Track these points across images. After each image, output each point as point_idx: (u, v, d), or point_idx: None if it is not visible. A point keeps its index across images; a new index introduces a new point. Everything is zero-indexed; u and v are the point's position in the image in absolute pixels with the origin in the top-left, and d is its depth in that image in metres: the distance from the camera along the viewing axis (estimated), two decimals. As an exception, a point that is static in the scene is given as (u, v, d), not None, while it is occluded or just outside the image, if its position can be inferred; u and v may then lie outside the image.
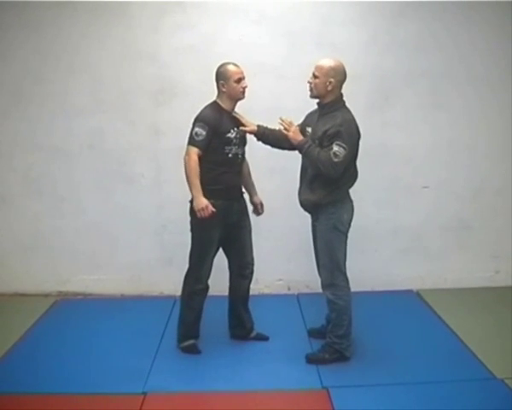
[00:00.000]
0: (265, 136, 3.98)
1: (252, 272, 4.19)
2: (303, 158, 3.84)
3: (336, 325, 3.85)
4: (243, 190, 4.14)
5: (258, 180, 4.94)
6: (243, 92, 3.88)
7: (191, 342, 4.06)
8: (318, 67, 3.70)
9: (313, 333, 4.23)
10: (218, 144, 3.82)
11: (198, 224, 3.87)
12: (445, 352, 4.02)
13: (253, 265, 4.18)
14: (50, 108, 4.91)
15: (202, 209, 3.75)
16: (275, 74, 4.87)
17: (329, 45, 4.74)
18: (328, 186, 3.69)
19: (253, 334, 4.25)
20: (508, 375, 3.63)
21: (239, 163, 3.98)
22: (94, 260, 5.10)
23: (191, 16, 4.81)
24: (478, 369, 3.76)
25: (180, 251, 4.63)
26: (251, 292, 4.94)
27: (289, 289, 5.18)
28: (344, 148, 3.57)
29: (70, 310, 4.82)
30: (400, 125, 5.03)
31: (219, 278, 4.94)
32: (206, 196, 3.77)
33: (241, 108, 4.85)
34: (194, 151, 3.77)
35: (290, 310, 4.77)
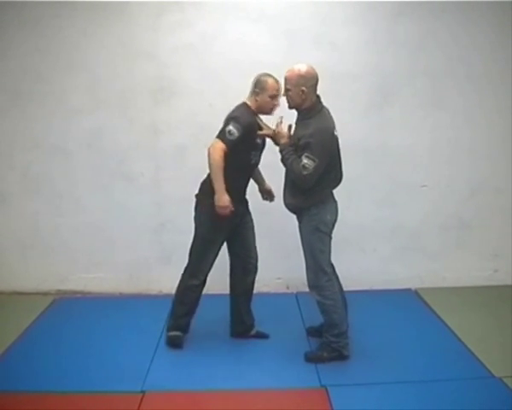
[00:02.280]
0: None
1: (255, 268, 4.19)
2: None
3: (330, 325, 3.85)
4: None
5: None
6: (272, 110, 3.84)
7: (177, 333, 4.07)
8: (287, 79, 3.67)
9: (312, 332, 4.24)
10: (246, 149, 3.80)
11: (205, 222, 3.88)
12: (443, 351, 4.03)
13: (256, 260, 4.18)
14: (49, 107, 4.91)
15: (224, 207, 3.71)
16: (274, 73, 4.83)
17: (329, 44, 4.75)
18: (307, 190, 3.68)
19: (253, 332, 4.26)
20: (506, 374, 3.64)
21: (255, 169, 4.03)
22: (92, 259, 5.10)
23: (190, 15, 4.81)
24: (476, 368, 3.77)
25: (179, 250, 4.63)
26: (250, 290, 4.94)
27: (288, 287, 5.18)
28: (313, 160, 3.53)
29: (69, 308, 4.82)
30: (400, 124, 5.02)
31: (220, 277, 4.95)
32: (213, 194, 3.74)
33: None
34: (222, 147, 3.67)
35: (289, 309, 4.77)
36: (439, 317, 4.56)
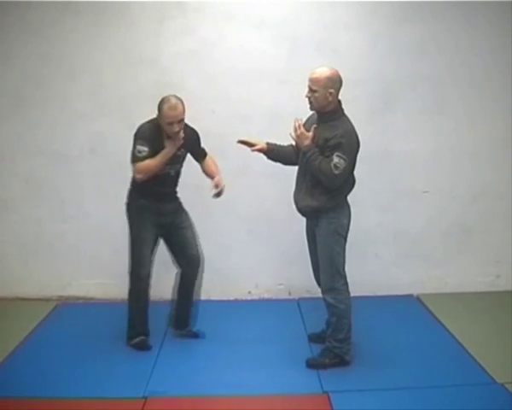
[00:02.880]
0: (275, 152, 3.99)
1: (198, 266, 4.24)
2: (301, 164, 3.84)
3: (336, 329, 3.85)
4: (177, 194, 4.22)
5: (259, 185, 4.97)
6: (174, 134, 3.85)
7: (141, 338, 4.15)
8: (314, 80, 3.64)
9: (313, 338, 4.23)
10: None
11: (133, 224, 4.04)
12: (445, 356, 4.02)
13: (198, 257, 4.23)
14: (52, 113, 4.92)
15: (176, 140, 3.84)
16: (275, 79, 4.87)
17: (331, 50, 4.76)
18: (329, 192, 3.69)
19: (186, 330, 4.34)
20: (508, 380, 3.63)
21: (171, 178, 4.07)
22: (95, 265, 5.09)
23: (192, 21, 4.82)
24: (478, 374, 3.76)
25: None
26: (251, 297, 4.96)
27: (290, 293, 5.17)
28: (344, 159, 3.57)
29: (71, 314, 4.82)
30: (402, 129, 5.03)
31: (219, 284, 4.96)
32: (138, 196, 4.00)
33: (242, 113, 4.89)
34: (139, 164, 3.82)
35: (291, 315, 4.77)
36: (440, 323, 4.55)
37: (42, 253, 5.12)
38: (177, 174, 4.13)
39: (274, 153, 3.99)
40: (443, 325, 4.50)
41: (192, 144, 4.13)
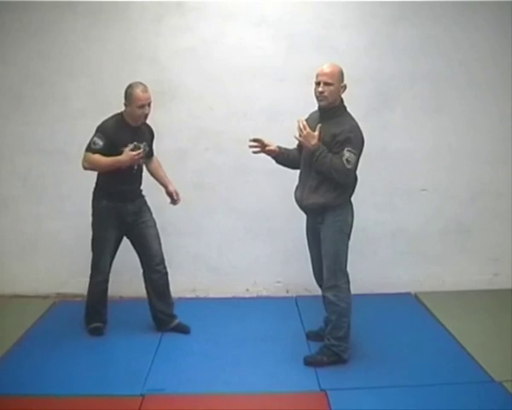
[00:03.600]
0: (284, 156, 3.98)
1: (161, 264, 4.31)
2: (304, 162, 3.84)
3: (336, 327, 3.85)
4: (142, 191, 4.31)
5: (257, 183, 4.97)
6: (144, 118, 4.02)
7: (96, 324, 4.31)
8: (330, 74, 3.65)
9: (311, 336, 4.24)
10: (113, 156, 3.97)
11: (95, 223, 4.18)
12: (443, 355, 4.02)
13: (160, 259, 4.30)
14: (51, 111, 4.92)
15: (129, 159, 3.94)
16: (274, 77, 4.88)
17: (329, 49, 4.76)
18: (336, 189, 3.71)
19: (172, 326, 4.36)
20: (506, 378, 3.63)
21: (134, 174, 4.14)
22: (93, 262, 5.09)
23: (190, 19, 4.83)
24: (476, 372, 3.77)
25: (179, 253, 4.65)
26: (248, 294, 4.97)
27: (288, 291, 5.17)
28: (354, 154, 3.61)
29: (69, 312, 4.81)
30: (400, 128, 5.04)
31: (217, 281, 4.96)
32: (100, 197, 4.11)
33: (240, 111, 4.89)
34: (89, 156, 3.99)
35: (288, 313, 4.76)
36: (438, 321, 4.55)
37: (40, 250, 5.12)
38: (140, 170, 4.21)
39: (284, 157, 3.98)
40: (441, 324, 4.50)
41: (150, 140, 4.27)
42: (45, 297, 5.05)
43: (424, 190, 5.11)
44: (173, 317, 4.38)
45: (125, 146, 3.97)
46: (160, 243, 4.31)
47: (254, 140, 3.90)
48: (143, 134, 4.16)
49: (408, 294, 5.12)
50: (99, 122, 4.86)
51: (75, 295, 5.10)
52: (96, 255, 4.25)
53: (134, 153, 3.93)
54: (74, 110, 4.92)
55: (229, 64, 4.86)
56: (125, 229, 4.22)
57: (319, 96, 3.70)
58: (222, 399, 3.52)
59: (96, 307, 4.33)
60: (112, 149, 3.95)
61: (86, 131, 4.89)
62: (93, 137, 3.98)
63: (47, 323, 4.59)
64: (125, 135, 4.01)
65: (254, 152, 3.92)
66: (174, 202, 4.36)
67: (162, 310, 4.34)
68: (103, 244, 4.20)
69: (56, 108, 4.93)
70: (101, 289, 4.29)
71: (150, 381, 3.67)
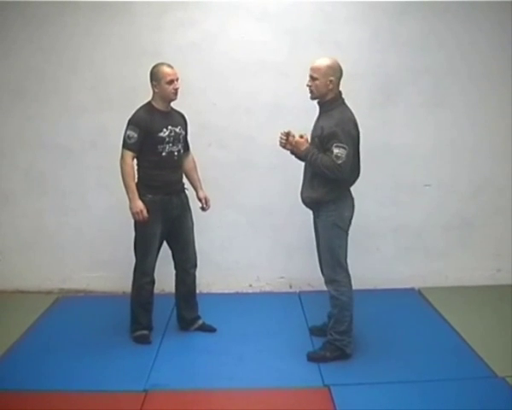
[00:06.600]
0: None
1: (194, 267, 4.27)
2: None
3: (338, 321, 3.85)
4: (185, 185, 4.23)
5: (260, 178, 4.97)
6: (175, 93, 3.96)
7: (142, 332, 4.15)
8: (315, 69, 3.69)
9: (315, 331, 4.23)
10: (151, 144, 3.93)
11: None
12: (446, 350, 4.02)
13: (195, 260, 4.26)
14: (53, 106, 4.92)
15: (137, 213, 3.90)
16: (277, 72, 4.86)
17: (332, 43, 4.74)
18: (328, 184, 3.70)
19: (196, 326, 4.32)
20: (509, 373, 3.63)
21: (176, 160, 4.07)
22: (96, 258, 5.10)
23: (193, 14, 4.81)
24: (479, 367, 3.76)
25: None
26: (252, 290, 4.97)
27: (291, 286, 5.17)
28: (344, 148, 3.58)
29: (72, 307, 4.83)
30: (402, 123, 5.02)
31: (220, 276, 4.96)
32: (145, 191, 3.95)
33: (243, 106, 4.89)
34: (129, 154, 3.91)
35: (292, 308, 4.77)
36: (441, 316, 4.55)
37: (42, 246, 5.12)
38: (180, 157, 4.11)
39: None
40: (444, 319, 4.50)
41: (185, 127, 4.19)
42: (48, 293, 5.06)
43: (428, 185, 5.09)
44: (197, 318, 4.35)
45: (160, 131, 3.92)
46: (195, 245, 4.26)
47: (285, 134, 3.83)
48: (176, 119, 4.09)
49: (411, 289, 5.12)
50: (101, 117, 4.90)
51: (78, 291, 5.11)
52: (140, 255, 4.09)
53: (144, 213, 3.89)
54: (76, 105, 4.91)
55: (232, 59, 4.85)
56: (170, 224, 4.09)
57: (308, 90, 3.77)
58: (225, 394, 3.52)
59: (146, 313, 4.19)
60: (147, 137, 3.90)
61: (88, 126, 4.93)
62: (126, 131, 3.91)
63: (50, 319, 4.59)
64: (158, 121, 3.95)
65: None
66: (203, 208, 4.28)
67: (188, 312, 4.31)
68: (150, 241, 4.05)
69: (58, 103, 4.92)
70: (149, 291, 4.15)
71: (153, 377, 3.67)
